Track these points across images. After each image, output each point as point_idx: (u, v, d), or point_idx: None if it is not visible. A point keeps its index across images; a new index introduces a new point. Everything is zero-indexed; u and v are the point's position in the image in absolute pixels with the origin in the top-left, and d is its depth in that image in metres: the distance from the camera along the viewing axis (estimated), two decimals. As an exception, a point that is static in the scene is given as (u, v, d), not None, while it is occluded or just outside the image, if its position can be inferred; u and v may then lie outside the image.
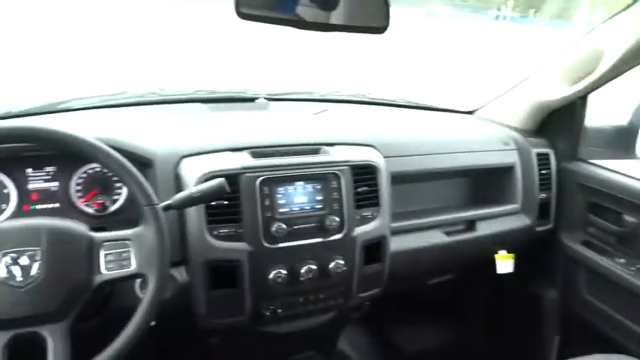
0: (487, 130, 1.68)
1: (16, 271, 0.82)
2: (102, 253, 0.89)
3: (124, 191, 1.23)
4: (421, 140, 1.52)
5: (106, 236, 0.91)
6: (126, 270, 0.90)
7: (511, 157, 1.60)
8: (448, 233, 1.50)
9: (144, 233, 0.91)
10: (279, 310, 1.23)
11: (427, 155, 1.48)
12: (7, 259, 0.82)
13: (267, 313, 1.22)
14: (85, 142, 0.91)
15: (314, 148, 1.29)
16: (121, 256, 0.90)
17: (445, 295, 1.91)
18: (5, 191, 1.14)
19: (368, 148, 1.35)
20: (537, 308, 1.74)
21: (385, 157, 1.35)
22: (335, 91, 1.85)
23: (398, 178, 1.39)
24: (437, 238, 1.48)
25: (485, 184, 1.62)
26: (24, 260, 0.83)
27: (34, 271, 0.83)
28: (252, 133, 1.35)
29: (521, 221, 1.61)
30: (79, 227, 0.90)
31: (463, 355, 1.97)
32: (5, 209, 1.14)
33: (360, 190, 1.28)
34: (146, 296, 0.89)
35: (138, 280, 1.11)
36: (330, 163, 1.25)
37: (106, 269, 0.89)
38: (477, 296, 1.92)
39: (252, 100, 1.62)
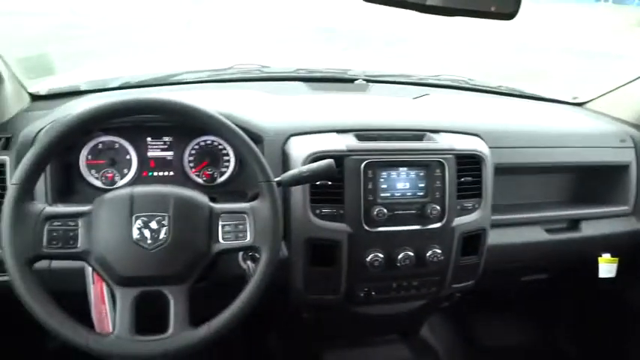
0: (600, 125, 1.57)
1: (147, 233, 0.89)
2: (220, 224, 0.94)
3: (231, 164, 1.28)
4: (529, 132, 1.45)
5: (225, 207, 0.95)
6: (241, 241, 0.94)
7: (627, 156, 1.49)
8: (549, 231, 1.43)
9: (260, 207, 0.95)
10: (373, 293, 1.25)
11: (535, 148, 1.41)
12: (140, 222, 0.89)
13: (361, 295, 1.24)
14: (211, 117, 0.95)
15: (418, 134, 1.27)
16: (237, 228, 0.94)
17: (536, 293, 1.84)
18: (128, 157, 1.23)
19: (473, 137, 1.31)
20: (638, 317, 1.64)
21: (490, 147, 1.31)
22: (435, 75, 1.80)
23: (501, 170, 1.34)
24: (537, 234, 1.42)
25: (593, 182, 1.53)
26: (154, 224, 0.89)
27: (162, 235, 0.89)
28: (356, 115, 1.35)
29: (630, 224, 1.51)
30: (202, 197, 0.95)
31: (547, 358, 1.90)
32: (127, 174, 1.23)
33: (463, 179, 1.25)
34: (259, 268, 0.93)
35: (240, 252, 1.16)
36: (435, 150, 1.22)
37: (223, 239, 0.94)
38: (570, 298, 1.84)
39: (351, 80, 1.62)
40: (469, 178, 1.26)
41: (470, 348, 1.85)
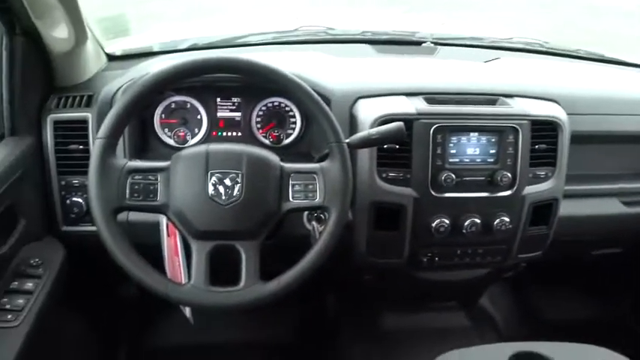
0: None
1: (221, 190, 0.91)
2: (290, 183, 0.95)
3: (297, 126, 1.30)
4: (610, 98, 1.37)
5: (295, 167, 0.96)
6: (311, 201, 0.95)
7: None
8: (627, 204, 1.36)
9: (330, 168, 0.95)
10: (437, 259, 1.24)
11: (615, 116, 1.33)
12: (214, 178, 0.91)
13: (424, 260, 1.24)
14: (285, 76, 0.95)
15: (491, 99, 1.22)
16: (307, 188, 0.95)
17: (605, 267, 1.77)
18: (198, 117, 1.27)
19: (550, 102, 1.25)
20: None
21: (568, 114, 1.24)
22: (507, 37, 1.71)
23: (577, 138, 1.27)
24: (613, 207, 1.35)
25: None
26: (227, 181, 0.91)
27: (235, 192, 0.91)
28: (425, 77, 1.32)
29: None
30: (274, 156, 0.96)
31: (609, 336, 1.83)
32: (198, 133, 1.27)
33: (537, 147, 1.20)
34: (328, 228, 0.93)
35: (306, 212, 1.18)
36: (510, 115, 1.18)
37: (293, 198, 0.95)
38: (638, 275, 1.75)
39: (419, 43, 1.58)
40: (543, 146, 1.21)
41: (530, 320, 1.82)
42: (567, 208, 1.28)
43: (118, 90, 1.18)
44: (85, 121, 1.16)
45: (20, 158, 1.08)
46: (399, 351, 1.53)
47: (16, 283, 1.02)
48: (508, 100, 1.22)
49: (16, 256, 1.08)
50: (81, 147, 1.16)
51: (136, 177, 0.91)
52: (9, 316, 0.94)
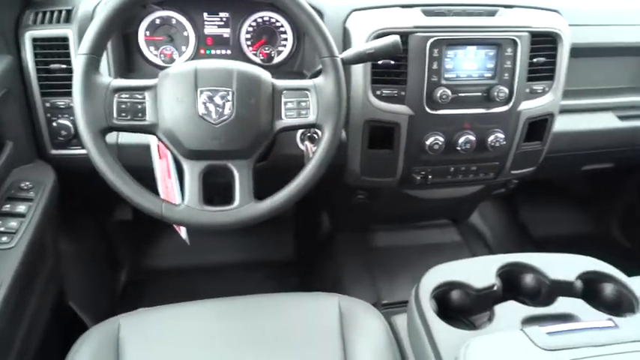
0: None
1: (212, 108, 0.88)
2: (283, 100, 0.92)
3: (289, 43, 1.24)
4: (612, 8, 1.31)
5: (287, 84, 0.93)
6: (304, 119, 0.92)
7: None
8: (622, 118, 1.35)
9: (323, 84, 0.92)
10: (430, 177, 1.24)
11: (618, 26, 1.28)
12: (204, 97, 0.88)
13: (418, 178, 1.24)
14: None
15: (491, 10, 1.17)
16: (300, 105, 0.92)
17: (590, 183, 1.79)
18: (185, 34, 1.21)
19: (552, 13, 1.20)
20: None
21: (570, 25, 1.20)
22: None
23: (576, 51, 1.24)
24: (608, 121, 1.35)
25: None
26: (218, 99, 0.88)
27: (226, 110, 0.88)
28: None
29: None
30: (265, 73, 0.93)
31: (595, 249, 1.90)
32: (184, 52, 1.22)
33: (535, 60, 1.17)
34: (322, 145, 0.92)
35: (299, 132, 1.16)
36: (508, 27, 1.13)
37: (286, 116, 0.92)
38: (627, 189, 1.78)
39: None
40: (542, 59, 1.17)
41: (520, 235, 1.87)
42: (562, 124, 1.28)
43: (98, 3, 1.11)
44: (65, 39, 1.10)
45: (1, 78, 1.03)
46: (391, 264, 1.58)
47: (8, 206, 1.01)
48: (508, 10, 1.17)
49: (6, 180, 1.06)
50: (63, 66, 1.11)
51: (123, 96, 0.87)
52: (4, 239, 0.94)
